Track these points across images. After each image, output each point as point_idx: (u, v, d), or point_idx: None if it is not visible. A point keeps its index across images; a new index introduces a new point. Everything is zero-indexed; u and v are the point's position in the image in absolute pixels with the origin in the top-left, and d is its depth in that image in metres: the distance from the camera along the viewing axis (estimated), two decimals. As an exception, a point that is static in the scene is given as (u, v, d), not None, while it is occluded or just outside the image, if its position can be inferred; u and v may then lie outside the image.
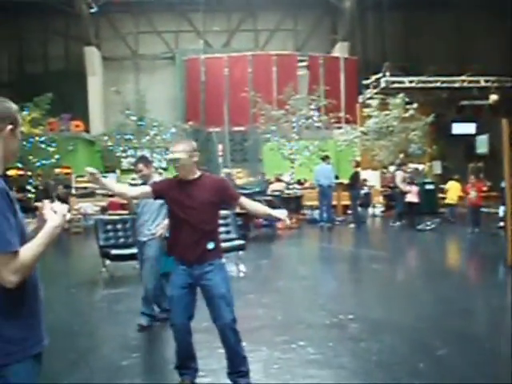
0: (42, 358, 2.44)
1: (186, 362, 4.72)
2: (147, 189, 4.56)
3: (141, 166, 6.56)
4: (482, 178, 15.17)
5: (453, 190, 17.62)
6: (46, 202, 2.52)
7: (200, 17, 29.09)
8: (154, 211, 6.53)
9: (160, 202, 5.62)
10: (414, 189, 16.90)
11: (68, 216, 2.45)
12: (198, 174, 4.50)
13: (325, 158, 17.54)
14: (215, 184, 4.51)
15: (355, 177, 17.71)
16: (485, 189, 19.14)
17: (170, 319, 4.67)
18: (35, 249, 2.26)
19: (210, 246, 4.45)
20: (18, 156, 2.57)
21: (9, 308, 2.27)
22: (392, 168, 22.72)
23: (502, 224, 12.47)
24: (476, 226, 14.86)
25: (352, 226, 17.40)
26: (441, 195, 19.36)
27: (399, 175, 17.37)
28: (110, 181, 4.85)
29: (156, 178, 6.35)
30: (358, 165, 18.49)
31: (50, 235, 2.32)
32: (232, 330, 4.51)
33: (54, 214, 2.40)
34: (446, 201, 17.82)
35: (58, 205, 2.45)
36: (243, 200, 4.54)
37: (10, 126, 2.39)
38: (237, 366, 4.57)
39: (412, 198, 16.69)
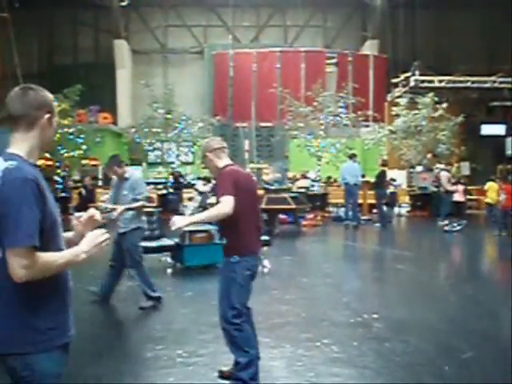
0: (68, 349, 2.46)
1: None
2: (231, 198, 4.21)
3: (115, 167, 6.76)
4: (510, 180, 14.91)
5: (492, 190, 17.44)
6: (90, 213, 2.55)
7: (229, 12, 29.10)
8: (126, 204, 6.80)
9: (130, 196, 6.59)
10: (460, 188, 17.20)
11: (105, 243, 2.45)
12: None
13: (352, 156, 17.42)
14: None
15: (381, 176, 17.55)
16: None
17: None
18: (58, 261, 2.27)
19: (224, 241, 4.46)
20: (52, 145, 2.60)
21: (37, 298, 2.29)
22: (419, 168, 22.54)
23: None
24: (504, 229, 14.65)
25: (377, 225, 17.27)
26: (468, 197, 19.19)
27: (444, 176, 17.21)
28: (198, 215, 4.71)
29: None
30: (384, 164, 18.33)
31: (75, 258, 2.33)
32: (222, 328, 4.48)
33: (91, 242, 2.40)
34: (486, 200, 17.64)
35: (99, 233, 2.45)
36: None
37: (47, 115, 2.41)
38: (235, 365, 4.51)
39: (459, 197, 17.01)
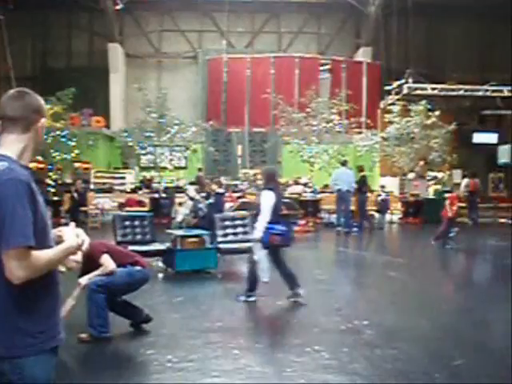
0: (58, 352, 2.44)
1: None
2: None
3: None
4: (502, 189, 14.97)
5: None
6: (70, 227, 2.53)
7: (224, 17, 29.11)
8: None
9: None
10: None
11: (84, 246, 2.47)
12: None
13: (344, 163, 17.48)
14: None
15: (362, 181, 17.64)
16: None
17: None
18: (51, 256, 2.28)
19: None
20: (41, 149, 2.62)
21: (26, 301, 2.27)
22: (411, 175, 22.62)
23: None
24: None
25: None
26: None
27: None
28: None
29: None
30: (362, 169, 18.35)
31: (67, 252, 2.37)
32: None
33: (75, 236, 2.43)
34: None
35: (79, 231, 2.49)
36: None
37: (43, 119, 2.46)
38: None
39: None
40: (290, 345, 5.79)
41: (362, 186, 17.61)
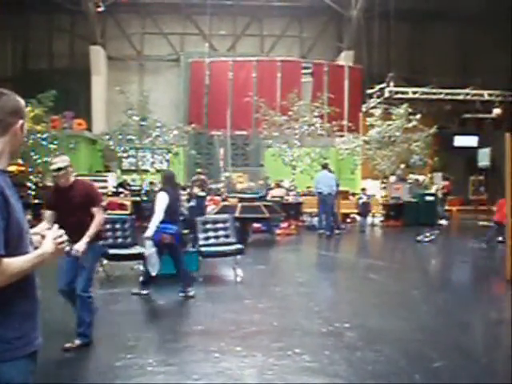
0: (36, 357, 2.41)
1: None
2: None
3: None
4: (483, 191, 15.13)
5: None
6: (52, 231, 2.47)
7: (206, 20, 29.10)
8: None
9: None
10: None
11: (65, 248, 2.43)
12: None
13: (325, 166, 17.54)
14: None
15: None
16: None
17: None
18: (22, 264, 2.22)
19: None
20: (19, 152, 2.54)
21: (1, 307, 2.24)
22: (393, 178, 22.76)
23: (501, 238, 12.43)
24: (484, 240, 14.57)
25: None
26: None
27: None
28: None
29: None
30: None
31: (42, 259, 2.30)
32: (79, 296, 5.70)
33: (53, 242, 2.36)
34: None
35: (59, 233, 2.41)
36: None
37: (20, 121, 2.37)
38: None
39: None
40: (270, 348, 5.79)
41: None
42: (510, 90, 25.24)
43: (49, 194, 6.19)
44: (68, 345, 5.63)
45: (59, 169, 5.61)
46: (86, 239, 5.57)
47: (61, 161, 5.69)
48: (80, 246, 5.50)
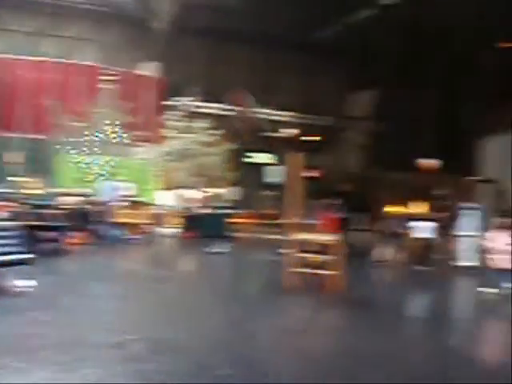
0: None
1: None
2: None
3: None
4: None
5: None
6: None
7: (6, 14, 27.24)
8: None
9: None
10: None
11: None
12: None
13: (112, 175, 17.48)
14: None
15: None
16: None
17: None
18: None
19: None
20: None
21: None
22: (189, 190, 23.05)
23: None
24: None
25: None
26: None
27: None
28: None
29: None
30: None
31: None
32: None
33: None
34: None
35: None
36: None
37: None
38: None
39: None
40: (54, 362, 5.47)
41: None
42: (303, 112, 26.99)
43: None
44: None
45: None
46: None
47: None
48: None
